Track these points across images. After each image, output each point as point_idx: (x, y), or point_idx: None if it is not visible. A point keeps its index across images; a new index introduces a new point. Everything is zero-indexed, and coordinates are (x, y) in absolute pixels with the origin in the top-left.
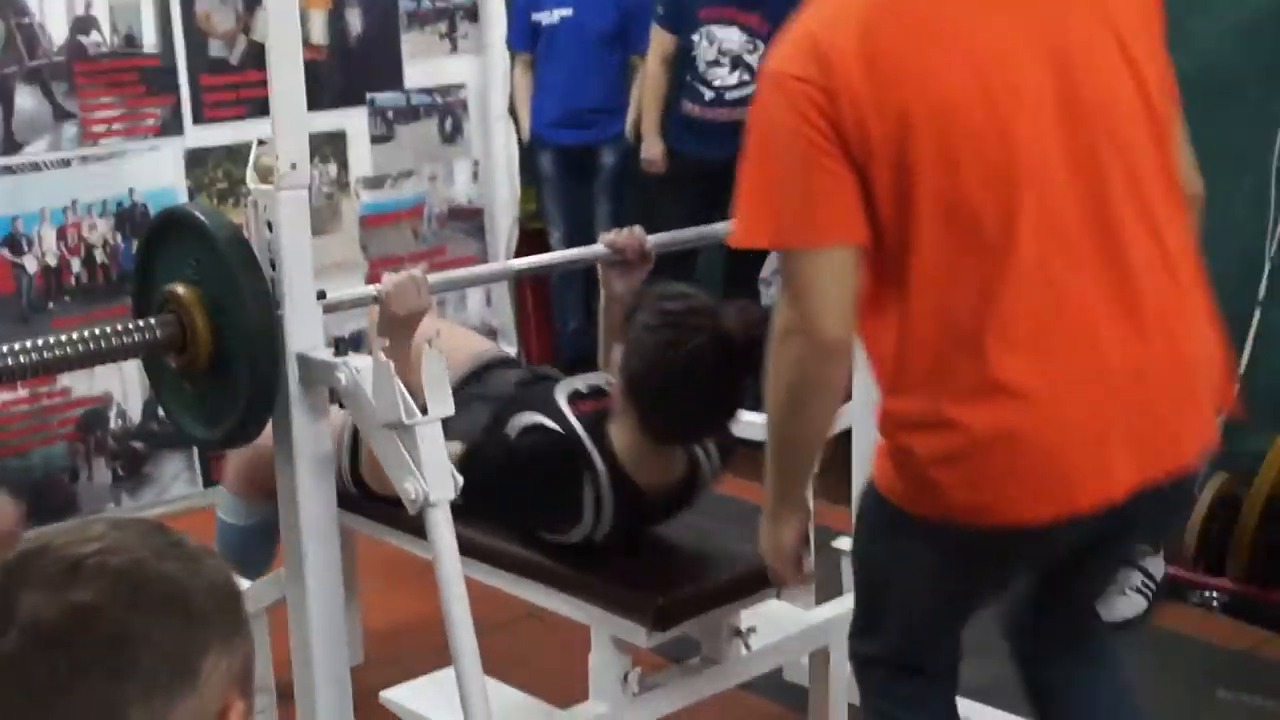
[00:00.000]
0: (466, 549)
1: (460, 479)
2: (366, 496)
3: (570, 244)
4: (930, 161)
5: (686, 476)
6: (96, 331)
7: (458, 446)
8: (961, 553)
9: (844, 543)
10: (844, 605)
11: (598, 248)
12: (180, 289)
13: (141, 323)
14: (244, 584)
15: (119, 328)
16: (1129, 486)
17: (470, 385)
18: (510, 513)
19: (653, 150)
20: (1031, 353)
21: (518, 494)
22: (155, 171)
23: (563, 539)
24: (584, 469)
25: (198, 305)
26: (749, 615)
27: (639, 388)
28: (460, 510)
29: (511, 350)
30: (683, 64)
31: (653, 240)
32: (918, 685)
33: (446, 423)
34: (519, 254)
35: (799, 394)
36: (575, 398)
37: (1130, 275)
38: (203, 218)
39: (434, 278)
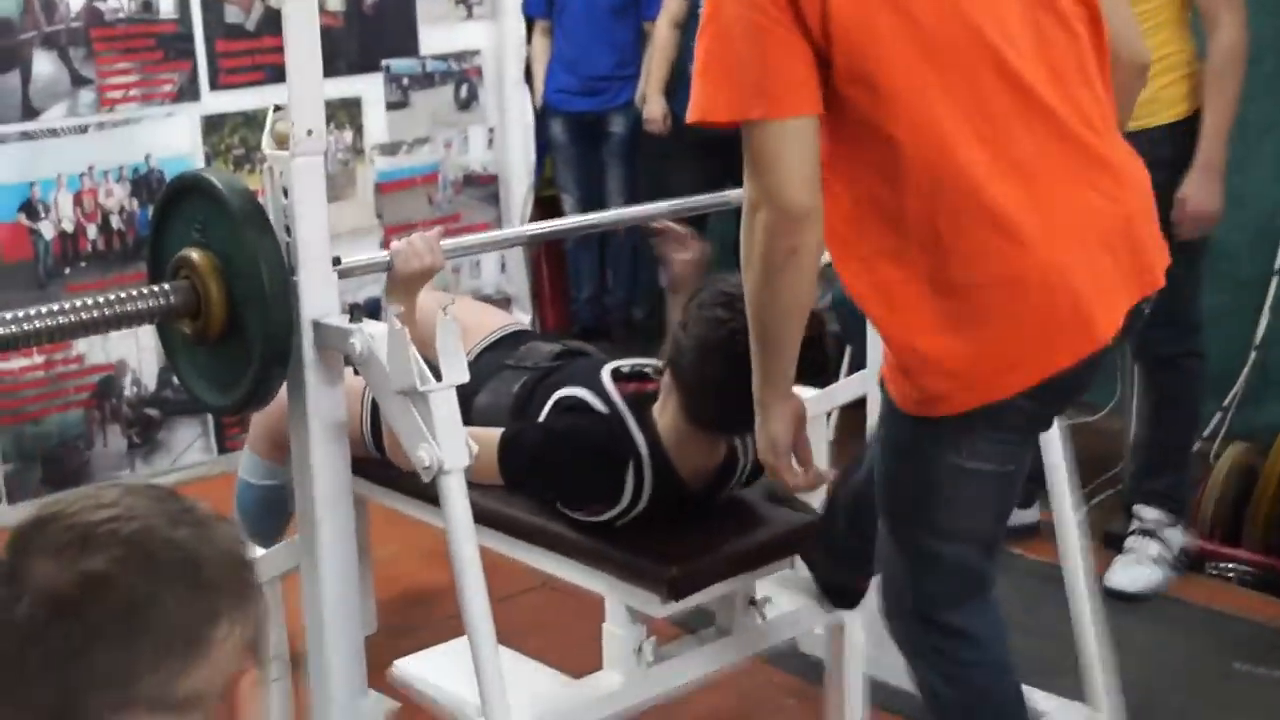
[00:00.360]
0: (480, 518)
1: (475, 447)
2: (386, 461)
3: (583, 211)
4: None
5: (724, 464)
6: (109, 297)
7: (495, 433)
8: (1006, 429)
9: None
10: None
11: (631, 210)
12: (194, 254)
13: (155, 288)
14: (257, 551)
15: (132, 293)
16: (1124, 314)
17: (498, 352)
18: (547, 489)
19: (654, 109)
20: (1027, 199)
21: (556, 471)
22: (171, 138)
23: (591, 518)
24: (628, 450)
25: (211, 271)
26: (765, 585)
27: (686, 366)
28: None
29: (526, 318)
30: (693, 28)
31: (658, 208)
32: (976, 612)
33: (473, 386)
34: (533, 221)
35: (771, 264)
36: (618, 377)
37: (1088, 131)
38: (217, 183)
39: (448, 243)
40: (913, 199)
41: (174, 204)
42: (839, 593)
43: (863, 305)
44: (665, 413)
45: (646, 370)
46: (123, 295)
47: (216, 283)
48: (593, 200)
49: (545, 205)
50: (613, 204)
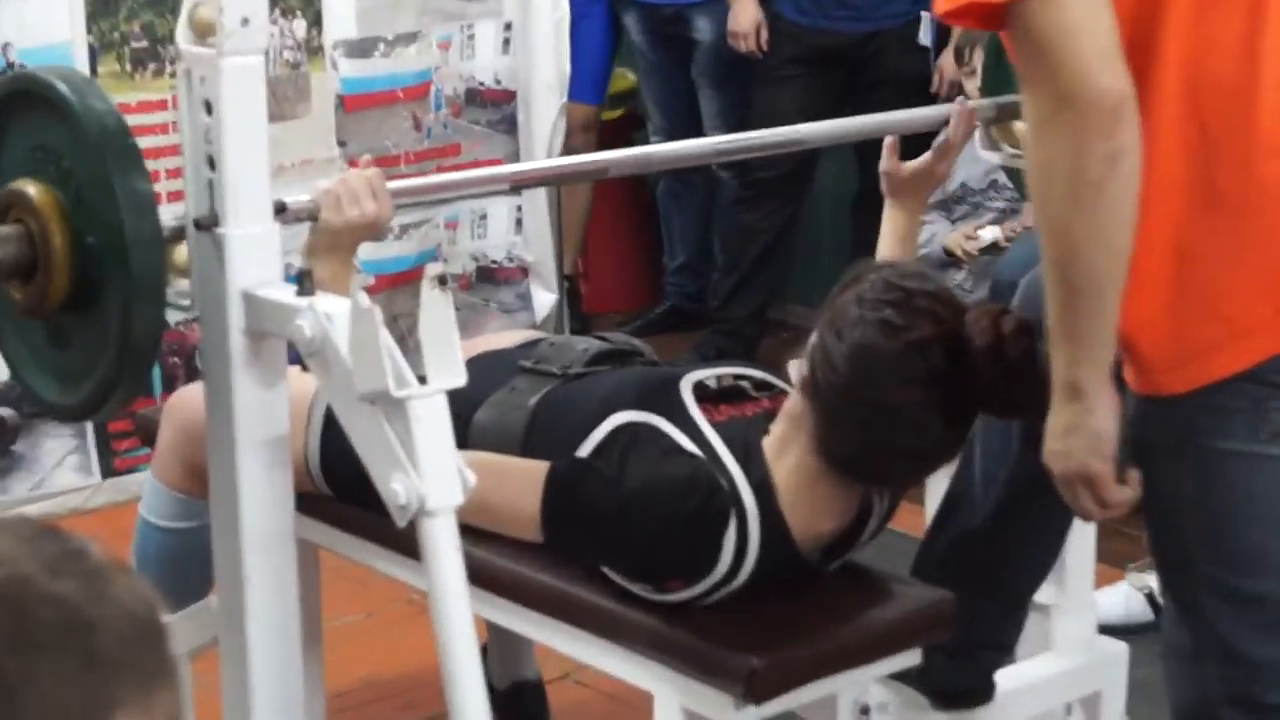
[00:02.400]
0: (477, 576)
1: (471, 478)
2: (344, 497)
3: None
4: None
5: (850, 528)
6: None
7: (541, 468)
8: None
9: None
10: (1039, 669)
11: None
12: (30, 189)
13: None
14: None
15: None
16: None
17: (509, 353)
18: (609, 557)
19: (743, 18)
20: None
21: (628, 535)
22: (41, 20)
23: (665, 596)
24: (726, 506)
25: (54, 213)
26: (880, 688)
27: (834, 385)
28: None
29: (551, 300)
30: None
31: (748, 139)
32: None
33: (473, 394)
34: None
35: (1084, 182)
36: (704, 395)
37: None
38: (64, 89)
39: (434, 180)
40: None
41: (4, 119)
42: (961, 694)
43: None
44: (787, 450)
45: (744, 384)
46: None
47: (61, 231)
48: (685, 129)
49: (614, 132)
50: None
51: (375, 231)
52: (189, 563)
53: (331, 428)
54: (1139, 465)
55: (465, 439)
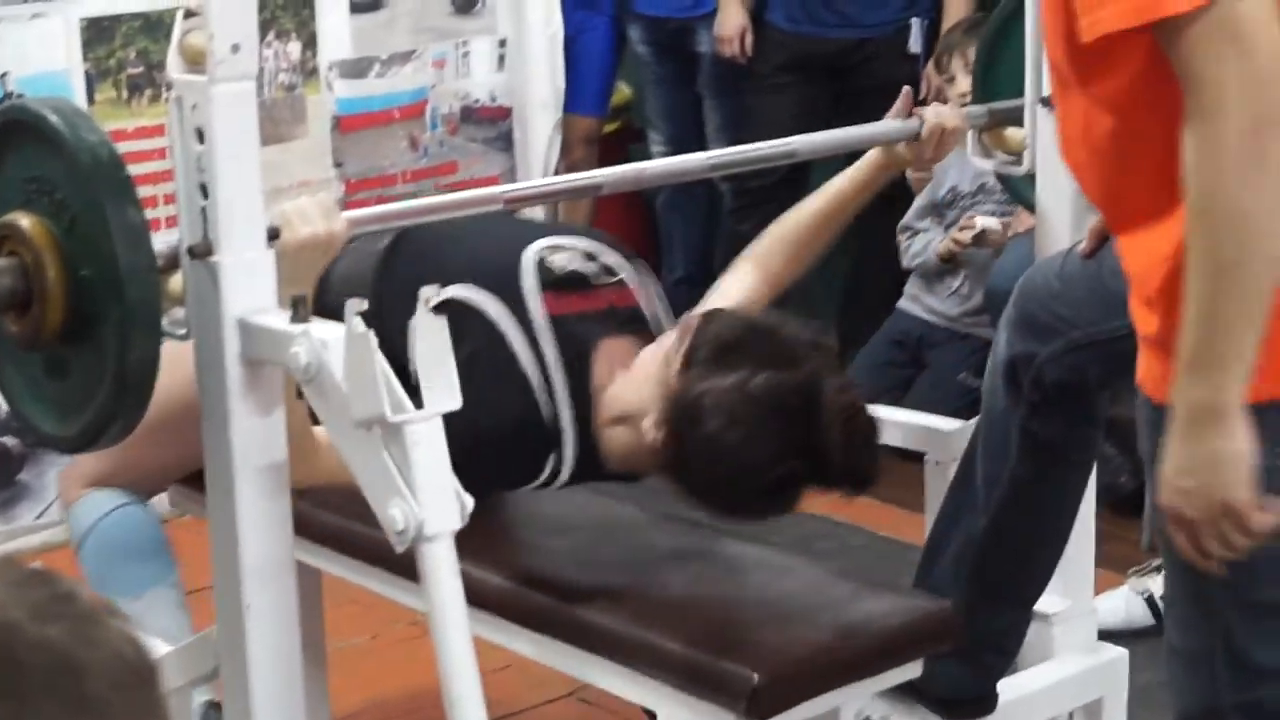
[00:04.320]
0: (477, 598)
1: (470, 502)
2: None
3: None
4: None
5: None
6: None
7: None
8: None
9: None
10: (1041, 677)
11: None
12: (23, 221)
13: None
14: (160, 649)
15: None
16: None
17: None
18: None
19: (728, 24)
20: None
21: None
22: (39, 48)
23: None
24: (551, 446)
25: (48, 245)
26: (884, 700)
27: (683, 456)
28: None
29: None
30: None
31: (740, 152)
32: None
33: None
34: (580, 168)
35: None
36: (549, 279)
37: None
38: (52, 118)
39: (433, 200)
40: None
41: None
42: (964, 704)
43: None
44: (627, 437)
45: (589, 270)
46: None
47: (55, 261)
48: (688, 142)
49: (611, 144)
50: (715, 149)
51: (332, 252)
52: (145, 536)
53: None
54: (1150, 468)
55: (327, 295)
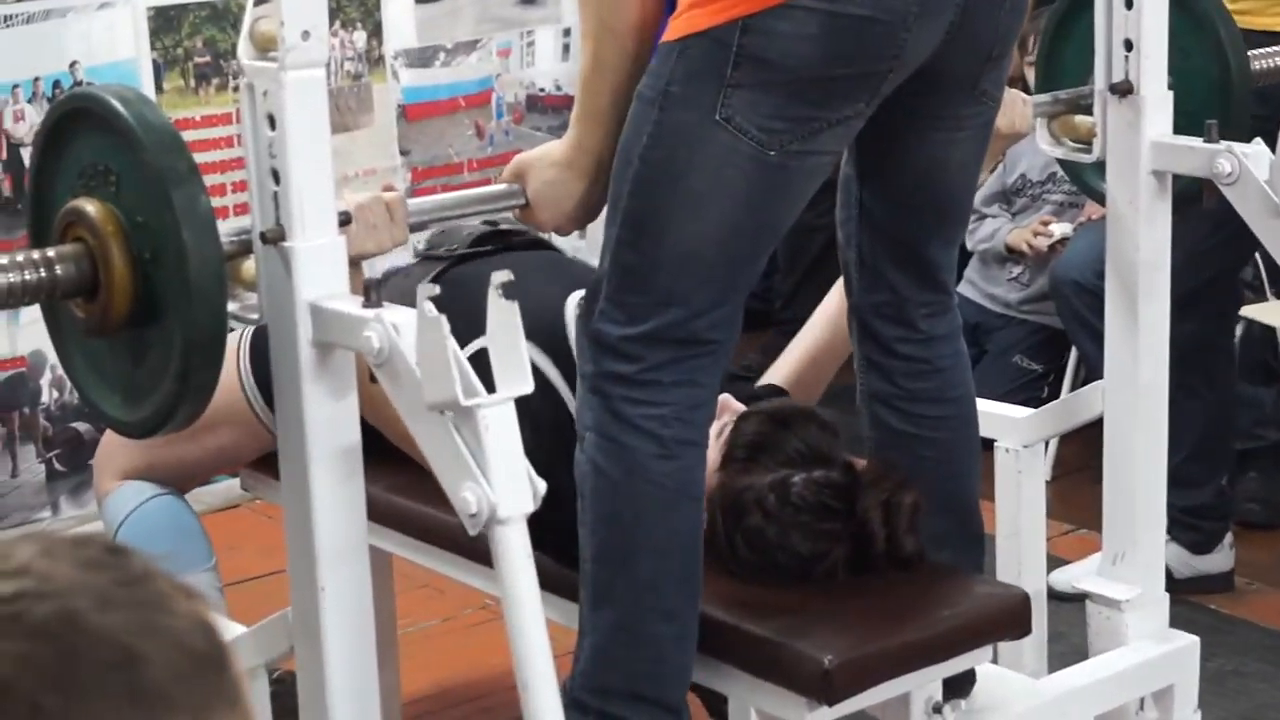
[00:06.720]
0: (550, 583)
1: (542, 485)
2: (413, 497)
3: None
4: None
5: None
6: None
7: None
8: None
9: (1085, 578)
10: (1112, 664)
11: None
12: (89, 207)
13: (34, 255)
14: (235, 630)
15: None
16: None
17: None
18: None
19: None
20: None
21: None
22: (108, 39)
23: None
24: None
25: (113, 230)
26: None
27: (728, 537)
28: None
29: None
30: None
31: None
32: None
33: None
34: None
35: None
36: None
37: None
38: (116, 104)
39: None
40: None
41: (61, 136)
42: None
43: None
44: None
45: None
46: None
47: (120, 248)
48: None
49: None
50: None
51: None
52: (182, 521)
53: (260, 350)
54: None
55: None
